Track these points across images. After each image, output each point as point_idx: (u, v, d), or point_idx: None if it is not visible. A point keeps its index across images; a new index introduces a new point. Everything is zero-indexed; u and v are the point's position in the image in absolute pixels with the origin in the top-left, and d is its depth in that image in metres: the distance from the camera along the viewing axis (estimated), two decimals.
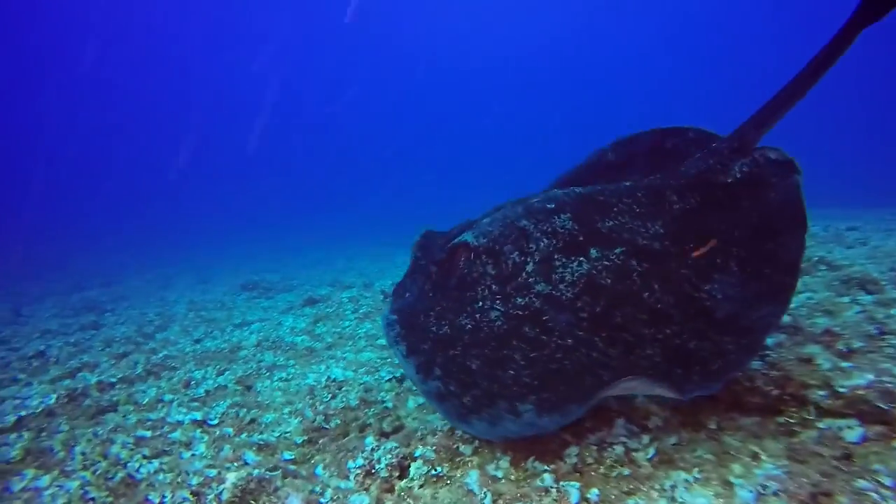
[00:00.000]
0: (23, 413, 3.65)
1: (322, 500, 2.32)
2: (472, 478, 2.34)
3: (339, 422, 3.13)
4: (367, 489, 2.40)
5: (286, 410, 3.41)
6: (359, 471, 2.49)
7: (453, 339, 2.48)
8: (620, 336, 2.29)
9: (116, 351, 5.25)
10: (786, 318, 2.91)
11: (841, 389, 2.31)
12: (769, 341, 2.75)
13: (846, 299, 3.46)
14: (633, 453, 2.34)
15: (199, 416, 3.38)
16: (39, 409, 3.69)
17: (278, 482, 2.35)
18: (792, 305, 3.51)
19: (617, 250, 2.57)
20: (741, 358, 2.10)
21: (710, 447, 2.33)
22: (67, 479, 2.75)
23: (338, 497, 2.32)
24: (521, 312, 2.49)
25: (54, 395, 3.88)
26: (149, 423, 3.34)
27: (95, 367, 4.72)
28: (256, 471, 2.36)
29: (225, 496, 2.21)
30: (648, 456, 2.32)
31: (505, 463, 2.39)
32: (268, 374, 4.18)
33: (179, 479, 2.49)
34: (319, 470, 2.59)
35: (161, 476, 2.65)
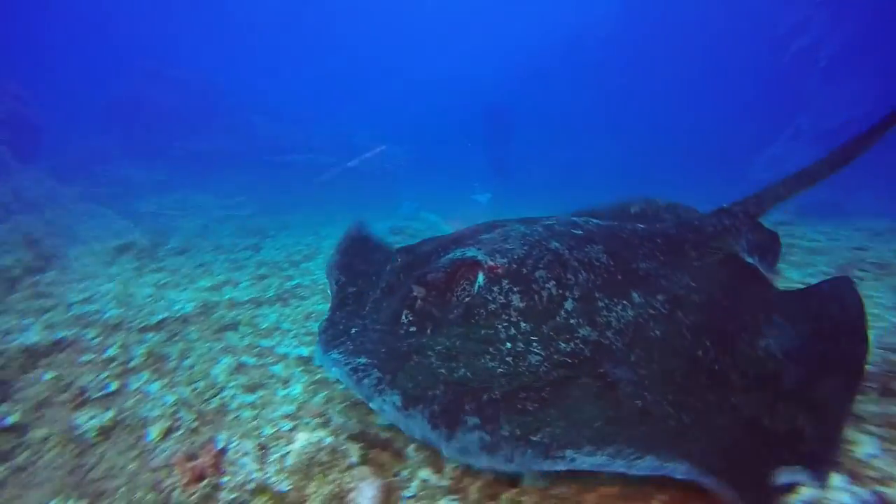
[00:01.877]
0: (165, 315, 3.82)
1: (405, 493, 1.80)
2: None
3: None
4: (463, 492, 1.82)
5: None
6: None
7: (482, 383, 1.82)
8: (687, 401, 1.84)
9: (259, 272, 5.43)
10: None
11: None
12: None
13: None
14: None
15: (306, 352, 3.13)
16: (178, 315, 3.83)
17: (355, 457, 1.88)
18: None
19: (660, 297, 2.24)
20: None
21: None
22: (170, 391, 2.68)
23: (424, 495, 1.78)
24: (570, 360, 1.92)
25: (192, 304, 4.01)
26: (257, 349, 3.19)
27: (237, 284, 4.89)
28: (330, 438, 1.92)
29: (289, 461, 1.81)
30: None
31: None
32: None
33: (255, 424, 2.19)
34: (412, 451, 2.07)
35: (246, 413, 2.39)
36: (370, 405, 1.80)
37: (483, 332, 2.00)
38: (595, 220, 2.73)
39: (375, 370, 1.95)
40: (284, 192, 14.35)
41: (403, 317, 2.15)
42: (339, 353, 2.07)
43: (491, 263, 2.21)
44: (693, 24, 13.67)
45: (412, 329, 2.11)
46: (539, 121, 18.42)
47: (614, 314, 2.08)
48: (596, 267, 2.26)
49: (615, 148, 15.53)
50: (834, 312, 2.25)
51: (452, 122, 20.35)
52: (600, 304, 2.11)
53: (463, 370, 1.93)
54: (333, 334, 2.24)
